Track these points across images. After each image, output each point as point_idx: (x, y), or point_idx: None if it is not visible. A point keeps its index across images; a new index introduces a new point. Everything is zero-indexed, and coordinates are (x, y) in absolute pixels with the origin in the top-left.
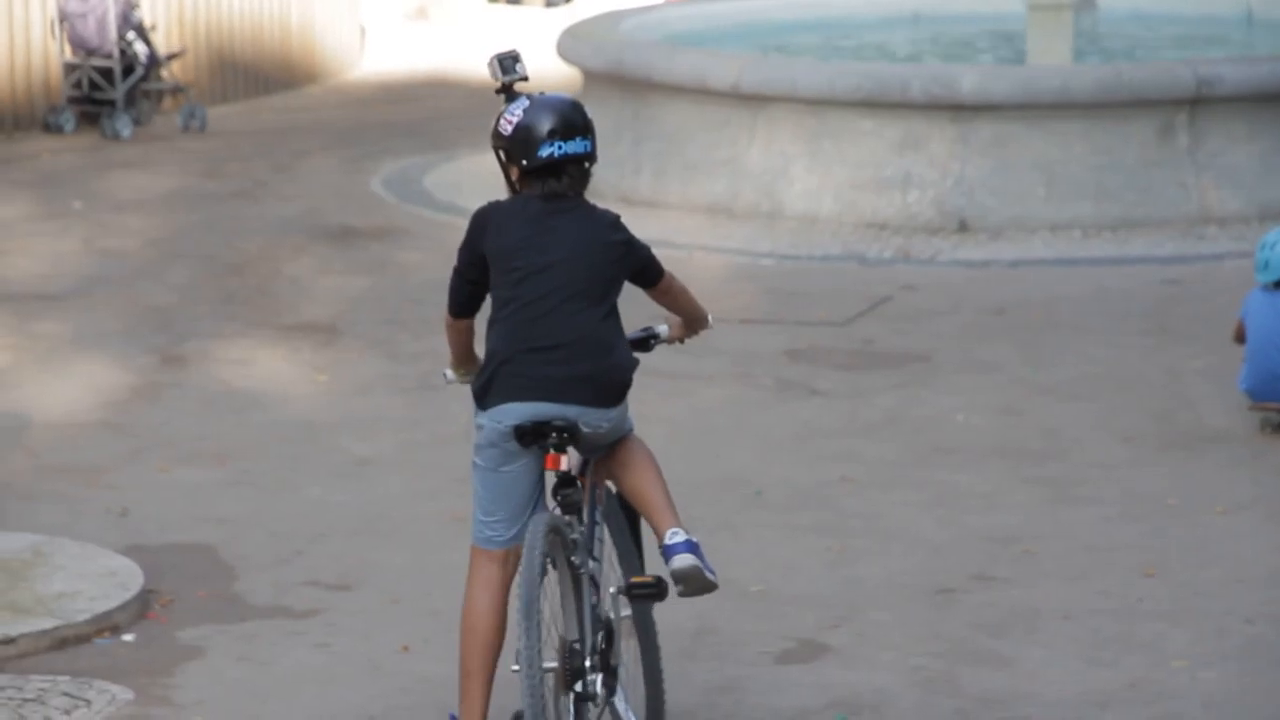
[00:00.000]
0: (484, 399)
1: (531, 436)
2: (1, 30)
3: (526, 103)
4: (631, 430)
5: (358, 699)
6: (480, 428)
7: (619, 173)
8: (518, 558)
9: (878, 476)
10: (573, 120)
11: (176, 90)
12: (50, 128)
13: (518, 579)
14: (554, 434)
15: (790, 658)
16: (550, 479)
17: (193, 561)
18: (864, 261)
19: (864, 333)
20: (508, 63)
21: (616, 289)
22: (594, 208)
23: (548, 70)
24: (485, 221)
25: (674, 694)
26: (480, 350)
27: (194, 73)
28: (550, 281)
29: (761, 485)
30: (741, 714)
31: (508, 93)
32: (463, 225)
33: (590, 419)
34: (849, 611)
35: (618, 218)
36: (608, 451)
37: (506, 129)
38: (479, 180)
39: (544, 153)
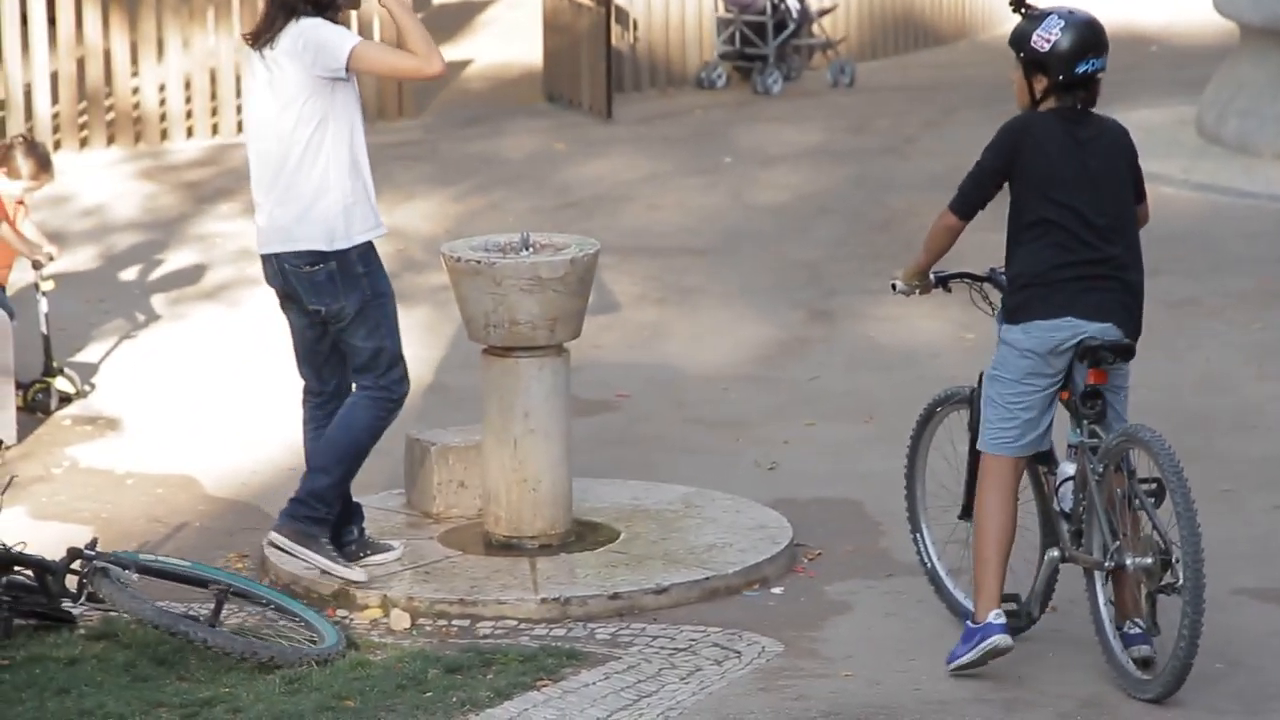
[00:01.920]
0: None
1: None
2: None
3: (1060, 21)
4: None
5: (1005, 657)
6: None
7: (1276, 129)
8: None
9: None
10: (1102, 39)
11: (827, 46)
12: (703, 83)
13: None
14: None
15: None
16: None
17: (840, 516)
18: None
19: None
20: None
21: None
22: (1104, 119)
23: (1201, 21)
24: (1021, 139)
25: None
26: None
27: (844, 28)
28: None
29: None
30: None
31: (1024, 8)
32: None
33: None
34: None
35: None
36: None
37: (1043, 45)
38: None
39: (1081, 69)
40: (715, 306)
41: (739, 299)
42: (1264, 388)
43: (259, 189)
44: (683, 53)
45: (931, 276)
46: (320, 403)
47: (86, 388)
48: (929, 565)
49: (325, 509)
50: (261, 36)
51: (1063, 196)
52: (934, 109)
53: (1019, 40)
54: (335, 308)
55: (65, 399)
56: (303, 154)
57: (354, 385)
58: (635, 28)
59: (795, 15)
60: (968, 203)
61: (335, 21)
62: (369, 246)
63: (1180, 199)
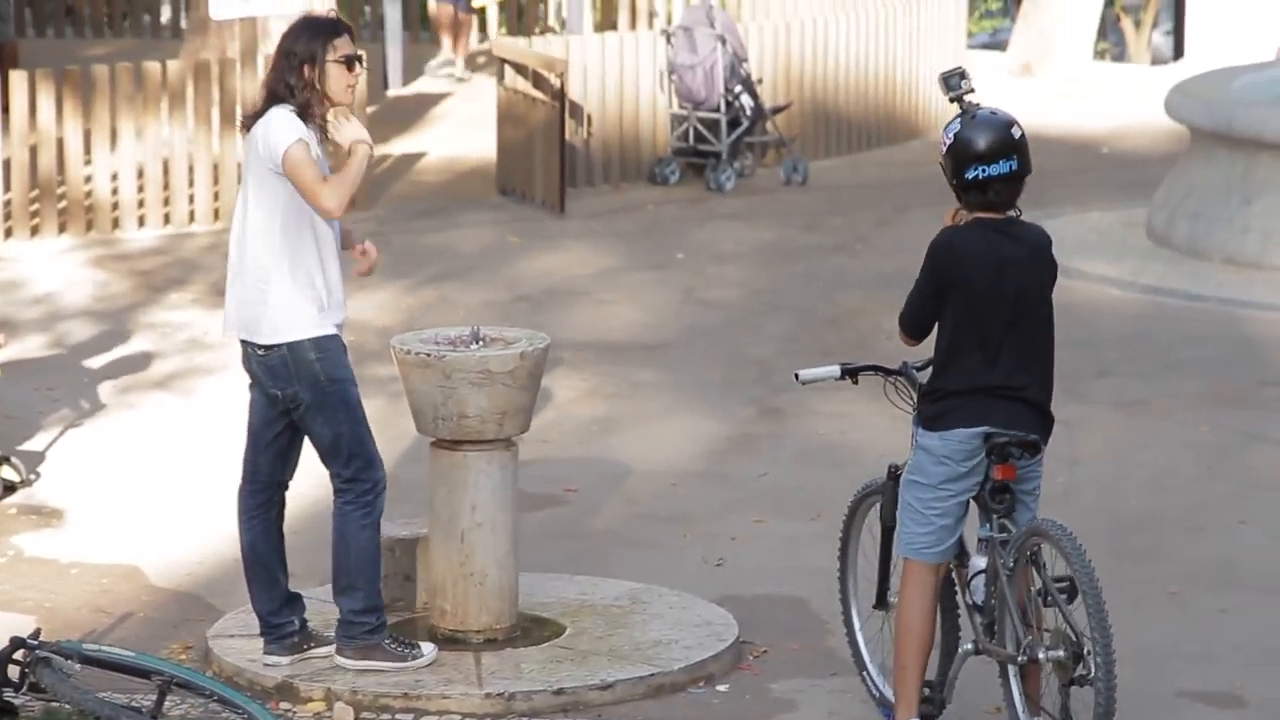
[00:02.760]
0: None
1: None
2: (612, 82)
3: (957, 124)
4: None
5: None
6: None
7: (1226, 233)
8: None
9: None
10: (1001, 144)
11: (780, 143)
12: (656, 179)
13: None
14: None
15: None
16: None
17: (786, 614)
18: None
19: None
20: (953, 80)
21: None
22: (1028, 230)
23: (1151, 124)
24: (946, 258)
25: None
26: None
27: (798, 126)
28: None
29: None
30: None
31: (960, 104)
32: (1065, 283)
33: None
34: None
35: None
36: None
37: (943, 147)
38: (1080, 238)
39: (970, 175)
40: (665, 402)
41: (689, 394)
42: (1212, 489)
43: (229, 271)
44: (636, 148)
45: (838, 369)
46: (254, 490)
47: (32, 476)
48: (857, 654)
49: (373, 618)
50: (247, 120)
51: (979, 319)
52: (886, 207)
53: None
54: (289, 392)
55: (9, 488)
56: (256, 242)
57: (331, 483)
58: (589, 123)
59: (749, 113)
60: (915, 325)
61: (309, 116)
62: (325, 338)
63: (1130, 301)
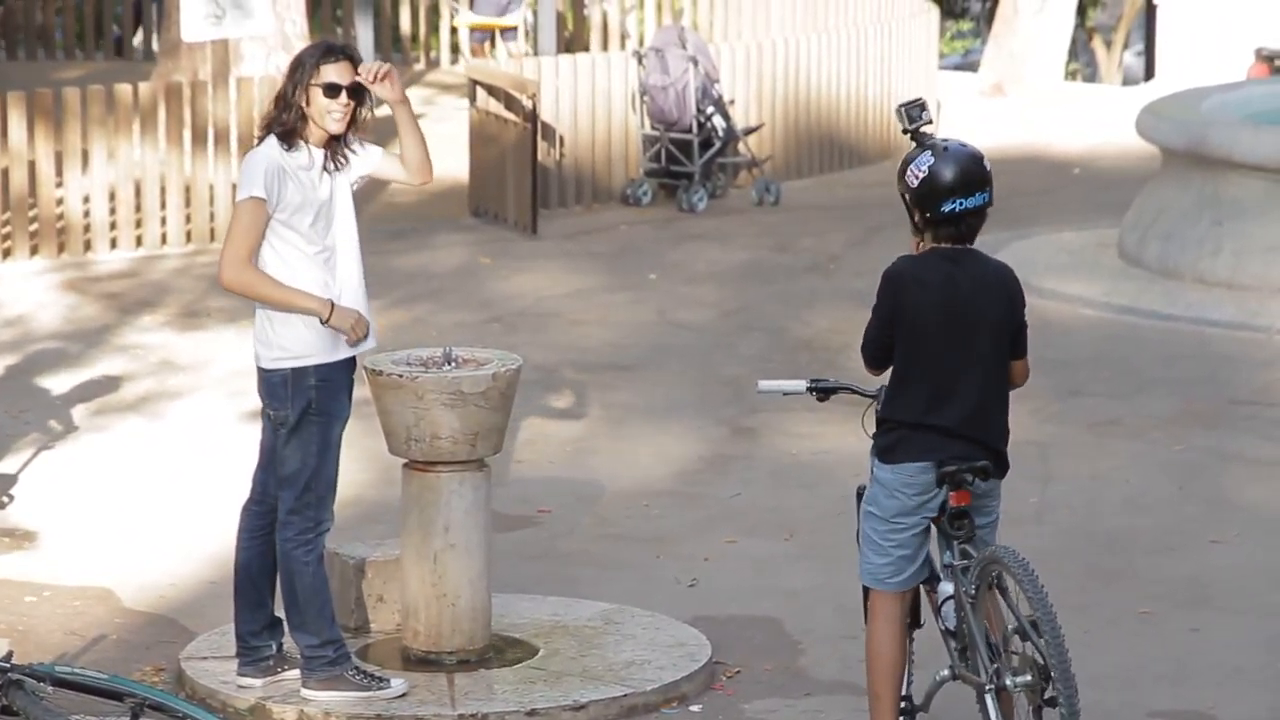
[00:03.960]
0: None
1: None
2: (584, 103)
3: (930, 158)
4: None
5: None
6: None
7: (1197, 253)
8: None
9: None
10: (975, 176)
11: (752, 164)
12: (628, 199)
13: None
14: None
15: None
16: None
17: (759, 634)
18: None
19: None
20: (914, 111)
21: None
22: (988, 264)
23: (1123, 145)
24: (899, 288)
25: None
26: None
27: (770, 147)
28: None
29: None
30: None
31: (915, 137)
32: (1037, 304)
33: None
34: None
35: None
36: None
37: (913, 181)
38: (1052, 259)
39: (946, 208)
40: (638, 422)
41: (662, 415)
42: (1185, 509)
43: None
44: (608, 169)
45: (804, 383)
46: (260, 511)
47: (5, 499)
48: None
49: (331, 650)
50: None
51: (934, 350)
52: (858, 228)
53: (900, 172)
54: (282, 414)
55: None
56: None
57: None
58: (561, 144)
59: (721, 133)
60: (871, 355)
61: (297, 139)
62: (328, 366)
63: (1102, 321)
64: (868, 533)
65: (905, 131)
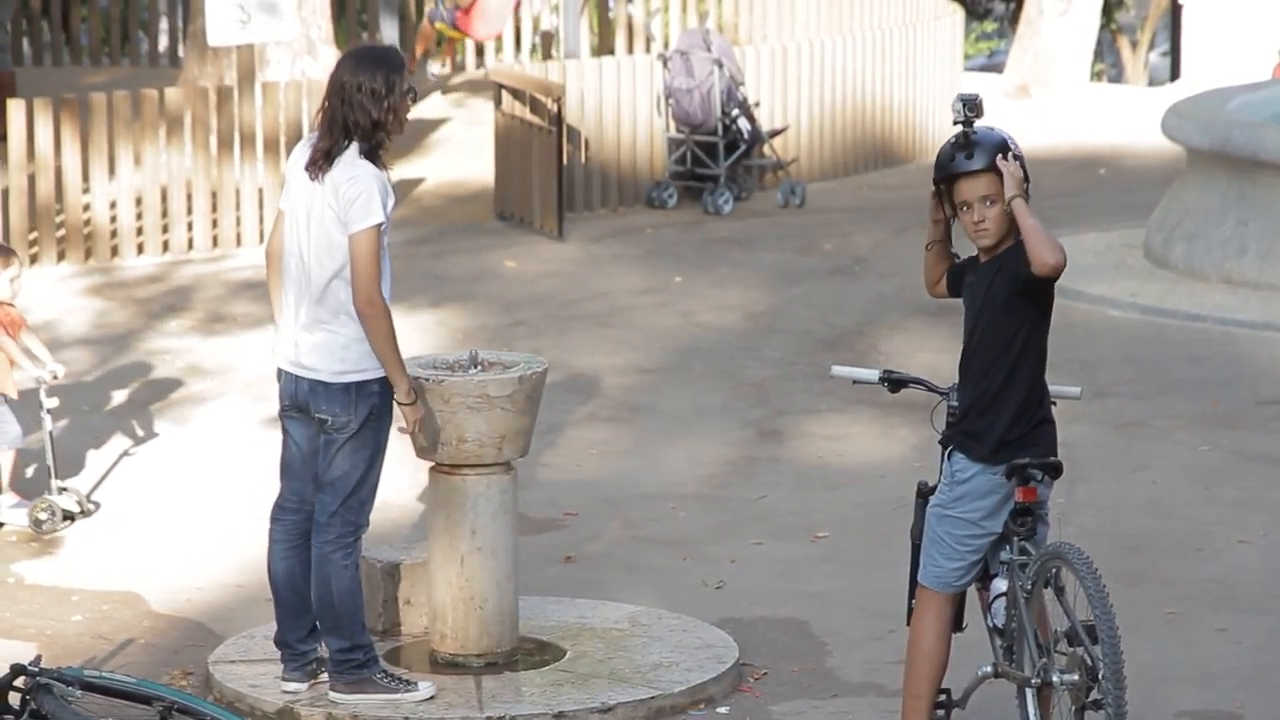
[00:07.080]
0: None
1: None
2: (609, 106)
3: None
4: None
5: None
6: None
7: (1223, 253)
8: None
9: None
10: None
11: (778, 166)
12: (653, 202)
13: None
14: None
15: None
16: None
17: (786, 636)
18: None
19: None
20: (970, 104)
21: None
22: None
23: (1148, 145)
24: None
25: None
26: None
27: (795, 149)
28: None
29: None
30: None
31: (966, 128)
32: (1063, 304)
33: None
34: None
35: None
36: None
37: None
38: (1078, 259)
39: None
40: (664, 425)
41: (688, 418)
42: (1211, 510)
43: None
44: (634, 172)
45: (877, 373)
46: (298, 521)
47: (91, 506)
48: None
49: (360, 653)
50: (320, 155)
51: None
52: (884, 230)
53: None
54: (343, 420)
55: (69, 517)
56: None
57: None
58: (586, 147)
59: (746, 136)
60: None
61: (380, 151)
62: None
63: (1127, 322)
64: (941, 536)
65: (956, 123)
